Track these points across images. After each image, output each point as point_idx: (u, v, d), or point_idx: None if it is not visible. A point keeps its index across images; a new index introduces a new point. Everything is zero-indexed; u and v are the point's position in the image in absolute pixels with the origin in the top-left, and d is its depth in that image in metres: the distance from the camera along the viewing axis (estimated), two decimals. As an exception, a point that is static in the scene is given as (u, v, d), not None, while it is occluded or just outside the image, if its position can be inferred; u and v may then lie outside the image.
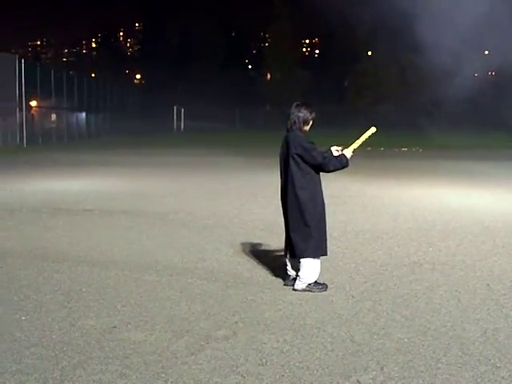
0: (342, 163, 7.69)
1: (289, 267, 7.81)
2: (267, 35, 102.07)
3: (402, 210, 14.32)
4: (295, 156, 7.47)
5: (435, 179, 21.03)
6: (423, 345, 5.98)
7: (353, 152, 7.89)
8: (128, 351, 5.80)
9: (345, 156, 7.73)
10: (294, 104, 7.75)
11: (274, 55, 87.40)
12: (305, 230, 7.59)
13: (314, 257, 7.62)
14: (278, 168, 7.87)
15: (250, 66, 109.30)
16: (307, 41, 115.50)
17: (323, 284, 7.69)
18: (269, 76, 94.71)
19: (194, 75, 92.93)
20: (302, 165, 7.50)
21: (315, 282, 7.62)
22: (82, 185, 19.11)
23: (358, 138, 8.02)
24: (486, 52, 65.54)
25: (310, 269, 7.55)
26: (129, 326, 6.46)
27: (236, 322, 6.57)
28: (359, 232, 11.54)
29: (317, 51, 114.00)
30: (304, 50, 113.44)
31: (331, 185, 18.50)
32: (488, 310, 7.04)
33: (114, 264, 9.05)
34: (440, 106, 76.32)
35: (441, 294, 7.59)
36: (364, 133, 8.10)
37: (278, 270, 7.89)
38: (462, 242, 10.68)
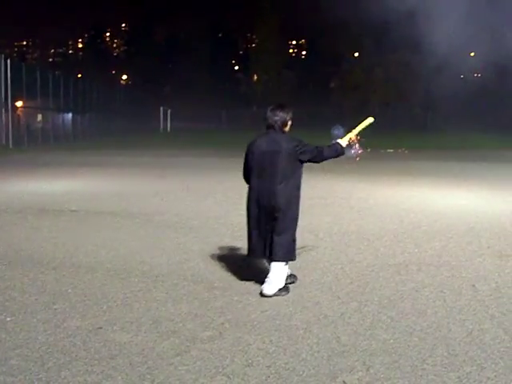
0: (336, 151, 7.81)
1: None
2: (254, 36, 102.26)
3: (388, 211, 14.35)
4: (292, 152, 7.49)
5: (421, 180, 21.08)
6: (409, 345, 5.99)
7: (349, 141, 7.94)
8: (114, 352, 5.79)
9: (339, 144, 7.82)
10: (269, 108, 7.74)
11: (261, 56, 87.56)
12: (293, 231, 7.62)
13: (293, 259, 7.66)
14: (254, 167, 7.71)
15: (236, 67, 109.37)
16: (294, 42, 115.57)
17: (288, 287, 7.67)
18: (255, 77, 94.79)
19: (180, 76, 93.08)
20: (295, 163, 7.51)
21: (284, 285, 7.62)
22: (67, 185, 19.05)
23: (355, 128, 8.08)
24: (472, 54, 65.78)
25: (283, 272, 7.55)
26: (114, 327, 6.45)
27: (222, 323, 6.57)
28: (345, 233, 11.55)
29: (303, 52, 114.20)
30: (291, 51, 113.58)
31: (318, 186, 18.55)
32: (473, 310, 7.06)
33: (99, 265, 9.03)
34: (427, 107, 76.65)
35: (426, 295, 7.61)
36: (361, 122, 8.16)
37: (264, 271, 7.88)
38: (448, 243, 10.72)
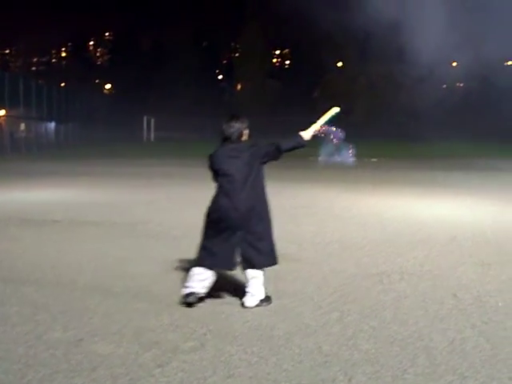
0: (296, 142, 7.76)
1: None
2: (238, 46, 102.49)
3: (371, 220, 14.38)
4: (252, 155, 7.47)
5: (405, 189, 21.15)
6: (390, 355, 6.00)
7: (315, 132, 7.94)
8: (95, 364, 5.76)
9: (299, 135, 7.79)
10: (224, 120, 7.69)
11: (245, 66, 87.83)
12: (271, 235, 7.62)
13: (277, 263, 7.65)
14: (219, 177, 7.58)
15: (220, 77, 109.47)
16: (277, 52, 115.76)
17: (270, 298, 7.65)
18: (239, 86, 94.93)
19: (164, 85, 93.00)
20: (257, 165, 7.51)
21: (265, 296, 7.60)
22: (50, 195, 19.00)
23: (320, 118, 8.09)
24: (454, 63, 66.18)
25: (262, 281, 7.53)
26: (96, 339, 6.43)
27: (204, 334, 6.55)
28: (328, 242, 11.56)
29: (287, 62, 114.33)
30: (274, 60, 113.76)
31: (301, 195, 18.62)
32: (455, 319, 7.08)
33: (81, 275, 9.00)
34: (410, 116, 76.95)
35: (408, 305, 7.62)
36: (326, 112, 8.17)
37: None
38: (430, 252, 10.75)
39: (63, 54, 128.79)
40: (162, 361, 5.84)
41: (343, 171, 27.26)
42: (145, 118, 77.96)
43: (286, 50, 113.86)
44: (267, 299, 7.58)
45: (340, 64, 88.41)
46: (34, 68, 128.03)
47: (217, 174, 7.58)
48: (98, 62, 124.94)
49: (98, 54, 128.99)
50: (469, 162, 36.40)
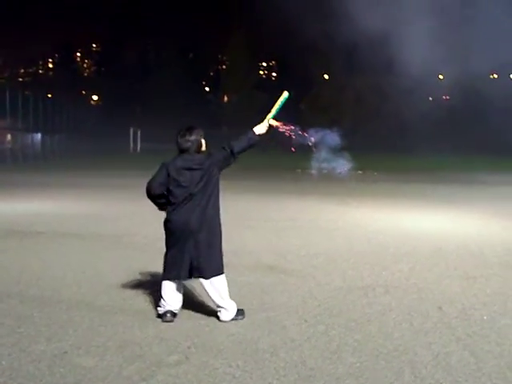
0: (249, 140, 7.75)
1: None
2: (225, 58, 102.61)
3: (356, 233, 14.40)
4: (208, 164, 7.47)
5: (390, 202, 21.18)
6: (375, 369, 6.01)
7: (269, 123, 7.92)
8: (79, 377, 5.75)
9: (251, 131, 7.79)
10: (178, 134, 7.65)
11: (231, 78, 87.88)
12: (221, 246, 7.60)
13: (223, 272, 7.61)
14: (174, 187, 7.49)
15: (207, 89, 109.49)
16: (264, 64, 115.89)
17: (243, 311, 7.63)
18: (226, 98, 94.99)
19: (151, 97, 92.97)
20: (213, 173, 7.48)
21: (238, 309, 7.57)
22: (35, 206, 18.92)
23: (272, 107, 8.06)
24: (441, 76, 66.40)
25: (226, 288, 7.50)
26: (80, 351, 6.40)
27: (188, 347, 6.54)
28: (313, 255, 11.56)
29: (274, 74, 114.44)
30: (261, 72, 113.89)
31: (287, 208, 18.63)
32: (440, 333, 7.10)
33: (66, 288, 8.97)
34: (397, 128, 77.13)
35: (393, 318, 7.63)
36: (277, 100, 8.14)
37: (231, 293, 7.85)
38: (415, 265, 10.77)
39: (50, 65, 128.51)
40: (146, 374, 5.82)
41: (329, 184, 27.28)
42: (131, 130, 77.84)
43: (273, 62, 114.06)
44: (241, 312, 7.57)
45: (327, 76, 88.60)
46: (20, 79, 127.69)
47: (168, 184, 7.51)
48: (85, 74, 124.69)
49: (84, 66, 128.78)
50: (455, 175, 36.48)
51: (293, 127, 8.30)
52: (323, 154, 9.04)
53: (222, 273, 7.55)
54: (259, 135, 7.83)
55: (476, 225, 16.10)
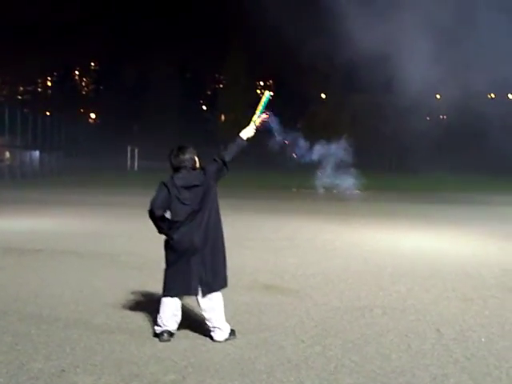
0: (237, 146, 7.82)
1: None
2: (222, 77, 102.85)
3: (353, 253, 14.39)
4: (205, 178, 7.50)
5: (388, 222, 21.19)
6: (372, 390, 5.99)
7: (255, 124, 7.99)
8: (75, 396, 5.73)
9: (238, 137, 7.86)
10: (172, 155, 7.67)
11: (229, 97, 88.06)
12: (225, 259, 7.63)
13: (227, 286, 7.68)
14: (177, 205, 7.50)
15: (204, 107, 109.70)
16: (261, 83, 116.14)
17: (234, 331, 7.60)
18: (223, 117, 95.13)
19: (148, 116, 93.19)
20: (212, 187, 7.51)
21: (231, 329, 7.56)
22: (33, 224, 18.92)
23: (256, 109, 8.10)
24: (438, 96, 66.49)
25: (223, 313, 7.50)
26: (77, 370, 6.39)
27: (185, 367, 6.52)
28: (310, 275, 11.55)
29: (271, 93, 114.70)
30: (258, 91, 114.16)
31: (284, 228, 18.63)
32: (438, 355, 7.08)
33: (63, 306, 8.96)
34: (394, 147, 77.25)
35: (391, 339, 7.62)
36: (260, 101, 8.18)
37: (228, 313, 7.84)
38: (413, 286, 10.76)
39: (49, 83, 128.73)
40: (143, 394, 5.81)
41: (327, 203, 27.32)
42: (129, 148, 77.95)
43: (270, 82, 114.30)
44: (234, 333, 7.56)
45: (324, 96, 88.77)
46: (19, 97, 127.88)
47: (169, 203, 7.52)
48: (83, 92, 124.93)
49: (83, 84, 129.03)
50: (454, 195, 36.46)
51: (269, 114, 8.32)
52: (328, 170, 9.03)
53: (226, 285, 7.60)
54: (247, 139, 7.90)
55: (474, 246, 16.10)
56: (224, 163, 7.64)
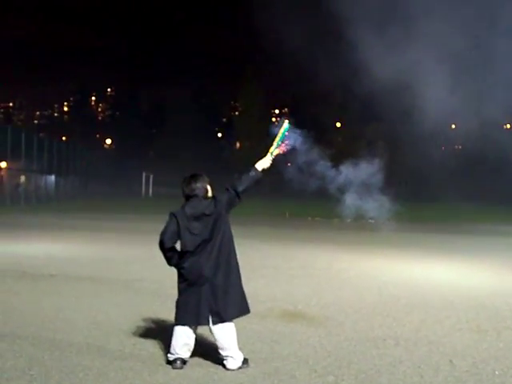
0: (251, 177, 7.79)
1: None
2: (237, 104, 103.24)
3: (367, 283, 14.35)
4: (217, 208, 7.51)
5: (403, 252, 21.12)
6: (385, 422, 5.97)
7: (272, 156, 8.01)
8: (88, 422, 5.74)
9: (254, 168, 7.85)
10: (184, 183, 7.72)
11: (244, 124, 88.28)
12: (240, 286, 7.63)
13: (249, 312, 7.71)
14: (186, 234, 7.53)
15: (220, 134, 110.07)
16: (277, 111, 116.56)
17: (247, 360, 7.57)
18: (238, 144, 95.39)
19: (164, 142, 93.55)
20: (224, 216, 7.53)
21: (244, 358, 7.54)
22: (48, 249, 18.98)
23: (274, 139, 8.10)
24: (453, 126, 66.45)
25: (236, 341, 7.47)
26: (90, 397, 6.41)
27: (198, 395, 6.53)
28: (324, 305, 11.53)
29: (290, 123, 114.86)
30: (274, 119, 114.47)
31: (298, 256, 18.61)
32: (450, 387, 7.05)
33: (77, 331, 8.99)
34: (409, 177, 77.16)
35: (404, 370, 7.59)
36: (279, 131, 8.18)
37: (241, 342, 7.84)
38: (426, 317, 10.72)
39: (65, 109, 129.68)
40: (155, 421, 5.81)
41: (341, 232, 27.30)
42: (143, 174, 78.26)
43: (286, 109, 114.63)
44: (246, 361, 7.53)
45: (339, 124, 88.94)
46: (36, 121, 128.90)
47: (179, 233, 7.54)
48: (100, 117, 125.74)
49: (99, 109, 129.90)
50: (469, 225, 36.26)
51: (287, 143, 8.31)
52: (354, 197, 8.94)
53: (245, 312, 7.61)
54: (263, 170, 7.89)
55: (488, 276, 16.03)
56: (236, 193, 7.66)
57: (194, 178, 7.72)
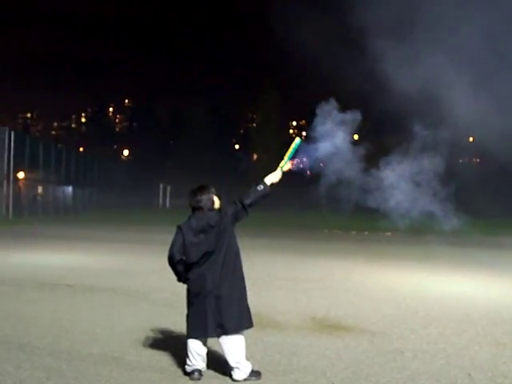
0: (260, 192, 7.75)
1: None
2: (255, 116, 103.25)
3: (385, 295, 14.31)
4: (222, 220, 7.51)
5: (420, 264, 21.02)
6: None
7: (282, 171, 8.00)
8: (106, 433, 5.75)
9: (263, 182, 7.82)
10: (190, 194, 7.75)
11: (261, 136, 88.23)
12: (244, 300, 7.62)
13: (252, 326, 7.67)
14: (192, 247, 7.55)
15: (237, 146, 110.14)
16: (294, 123, 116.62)
17: (259, 372, 7.54)
18: (256, 156, 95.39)
19: (181, 153, 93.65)
20: (229, 228, 7.53)
21: (253, 370, 7.49)
22: (65, 259, 19.06)
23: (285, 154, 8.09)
24: (471, 139, 66.23)
25: (244, 353, 7.44)
26: (108, 407, 6.42)
27: (213, 407, 6.52)
28: (341, 317, 11.51)
29: (304, 133, 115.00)
30: (291, 131, 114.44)
31: (316, 268, 18.59)
32: (469, 400, 7.02)
33: (95, 342, 9.01)
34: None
35: (422, 383, 7.56)
36: (290, 147, 8.16)
37: (259, 354, 7.83)
38: (444, 330, 10.68)
39: (83, 120, 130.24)
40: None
41: (357, 245, 27.22)
42: (161, 186, 78.45)
43: (303, 121, 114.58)
44: (257, 374, 7.47)
45: (356, 137, 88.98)
46: (53, 132, 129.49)
47: (184, 245, 7.56)
48: (117, 129, 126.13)
49: (116, 121, 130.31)
50: (485, 238, 36.03)
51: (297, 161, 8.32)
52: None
53: (249, 327, 7.58)
54: (272, 185, 7.88)
55: (507, 290, 15.95)
56: (243, 207, 7.65)
57: (199, 189, 7.74)
